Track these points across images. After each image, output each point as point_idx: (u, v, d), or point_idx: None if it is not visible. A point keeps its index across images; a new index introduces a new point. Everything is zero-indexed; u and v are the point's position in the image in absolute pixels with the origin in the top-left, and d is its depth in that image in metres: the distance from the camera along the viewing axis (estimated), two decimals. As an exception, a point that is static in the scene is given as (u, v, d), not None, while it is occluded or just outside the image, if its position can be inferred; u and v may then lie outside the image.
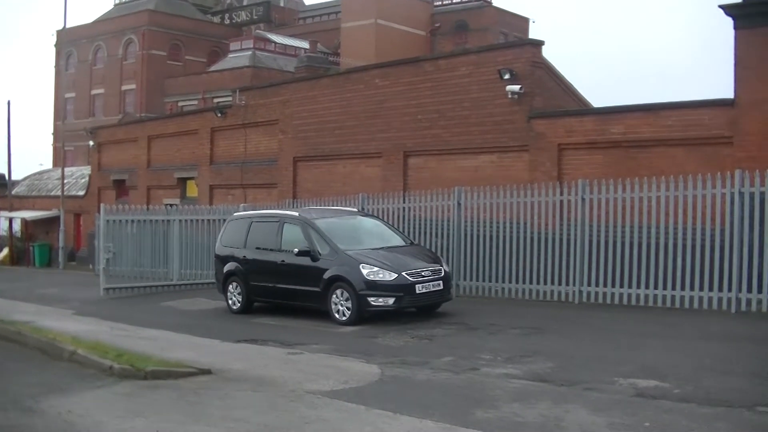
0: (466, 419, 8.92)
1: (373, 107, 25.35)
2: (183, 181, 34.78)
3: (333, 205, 22.38)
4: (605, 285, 17.68)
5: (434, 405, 9.63)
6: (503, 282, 19.54)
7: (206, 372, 11.52)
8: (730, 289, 15.97)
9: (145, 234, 25.25)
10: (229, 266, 19.63)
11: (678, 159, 18.29)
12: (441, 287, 17.06)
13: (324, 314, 17.01)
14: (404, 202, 21.91)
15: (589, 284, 17.96)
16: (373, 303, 16.43)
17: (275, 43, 65.24)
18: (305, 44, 60.82)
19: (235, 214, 21.64)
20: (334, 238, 17.57)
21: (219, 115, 32.00)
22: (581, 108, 23.29)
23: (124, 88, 70.01)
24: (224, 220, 25.09)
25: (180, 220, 25.42)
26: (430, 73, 24.06)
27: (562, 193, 18.71)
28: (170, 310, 20.67)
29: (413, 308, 17.23)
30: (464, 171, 22.63)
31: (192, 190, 34.10)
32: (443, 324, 15.84)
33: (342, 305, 16.74)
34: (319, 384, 10.84)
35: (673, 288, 16.72)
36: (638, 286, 17.20)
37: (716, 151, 17.89)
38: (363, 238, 18.28)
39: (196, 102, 60.23)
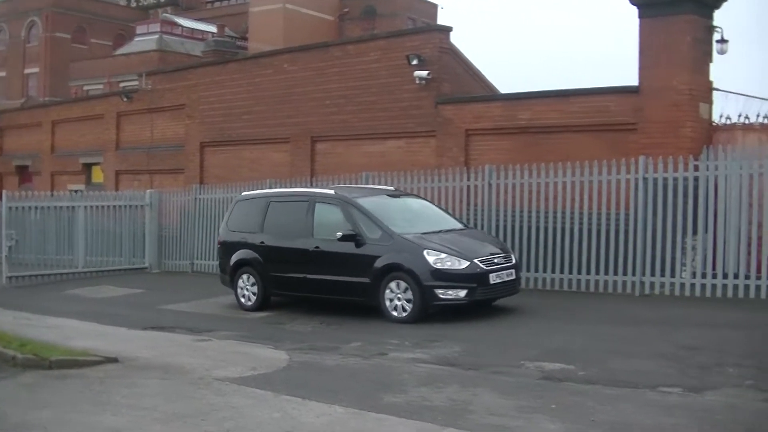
0: (375, 404, 8.96)
1: (281, 92, 25.20)
2: (88, 167, 34.12)
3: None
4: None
5: (343, 390, 9.66)
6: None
7: (113, 360, 11.36)
8: (634, 273, 16.30)
9: (49, 221, 24.68)
10: (239, 255, 16.93)
11: (584, 145, 18.50)
12: (513, 277, 15.07)
13: (369, 310, 14.81)
14: (312, 188, 21.83)
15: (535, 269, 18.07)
16: (441, 296, 14.18)
17: (182, 26, 64.52)
18: (213, 28, 60.20)
19: (243, 193, 18.83)
20: (385, 220, 15.22)
21: (125, 99, 31.51)
22: (489, 94, 23.43)
23: (26, 71, 68.63)
24: (131, 207, 24.75)
25: (85, 207, 24.78)
26: (339, 59, 24.00)
27: (469, 179, 18.89)
28: (76, 298, 20.09)
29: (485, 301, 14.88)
30: (372, 156, 22.63)
31: (98, 175, 33.54)
32: (352, 310, 15.84)
33: (400, 299, 14.41)
34: (227, 371, 10.79)
35: (579, 272, 17.00)
36: (544, 270, 17.45)
37: (621, 137, 18.13)
38: (414, 220, 15.87)
39: (101, 86, 59.25)
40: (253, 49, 31.58)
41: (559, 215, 17.32)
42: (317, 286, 15.63)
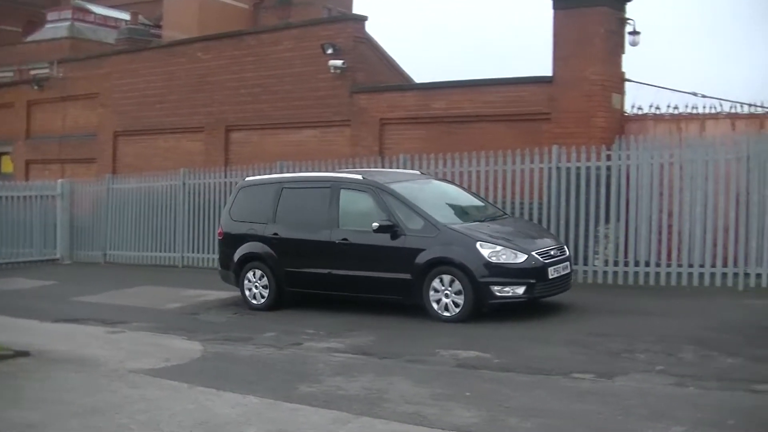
0: (290, 394, 8.94)
1: (196, 81, 24.95)
2: (-3, 157, 33.58)
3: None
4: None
5: (258, 381, 9.64)
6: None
7: (24, 354, 11.11)
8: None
9: (-44, 212, 24.07)
10: (247, 248, 15.24)
11: (499, 134, 18.64)
12: (568, 270, 13.83)
13: (406, 308, 13.46)
14: (226, 177, 21.72)
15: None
16: (497, 293, 12.76)
17: (95, 14, 63.37)
18: (126, 16, 59.21)
19: (248, 179, 16.99)
20: (426, 208, 13.75)
21: (36, 87, 30.89)
22: (403, 83, 23.47)
23: (-70, 59, 67.12)
24: (42, 197, 24.22)
25: (-6, 197, 24.30)
26: (254, 47, 23.84)
27: (383, 168, 18.88)
28: (-15, 290, 19.70)
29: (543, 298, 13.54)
30: (287, 146, 22.53)
31: (7, 165, 32.88)
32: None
33: (449, 297, 13.00)
34: (141, 362, 10.70)
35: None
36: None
37: (535, 126, 18.29)
38: (454, 208, 14.58)
39: (11, 74, 58.09)
40: (167, 37, 31.16)
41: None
42: (344, 283, 14.12)
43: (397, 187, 14.15)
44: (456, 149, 18.12)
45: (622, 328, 11.58)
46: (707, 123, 17.16)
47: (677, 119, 17.49)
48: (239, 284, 15.36)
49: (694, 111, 17.41)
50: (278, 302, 14.92)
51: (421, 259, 13.21)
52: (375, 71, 22.58)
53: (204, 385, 9.36)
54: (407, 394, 8.87)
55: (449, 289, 12.98)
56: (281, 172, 20.09)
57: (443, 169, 17.84)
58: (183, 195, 22.32)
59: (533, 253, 13.01)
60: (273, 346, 11.71)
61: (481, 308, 12.89)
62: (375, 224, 13.51)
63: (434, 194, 14.80)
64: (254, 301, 15.11)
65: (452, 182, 16.66)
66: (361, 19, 22.51)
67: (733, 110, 17.48)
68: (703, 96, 17.83)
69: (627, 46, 18.59)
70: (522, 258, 12.88)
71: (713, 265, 14.98)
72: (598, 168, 16.32)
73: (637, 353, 10.35)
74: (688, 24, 76.45)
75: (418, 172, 16.57)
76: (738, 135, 15.93)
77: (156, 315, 14.97)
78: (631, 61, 18.73)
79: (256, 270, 15.09)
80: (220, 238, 16.23)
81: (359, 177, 14.59)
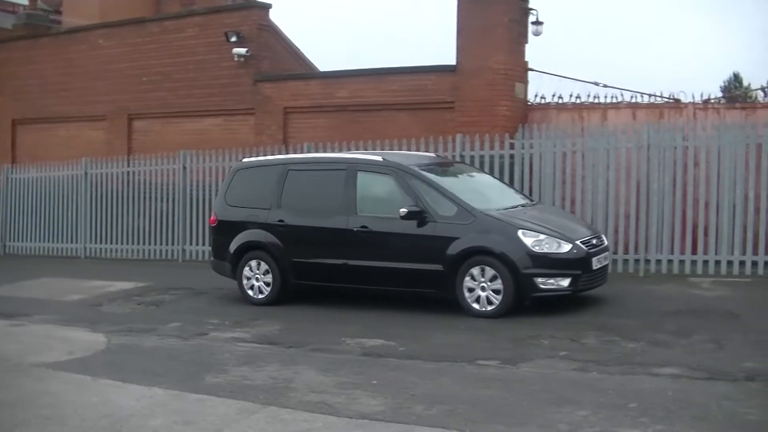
0: (196, 385, 8.88)
1: (97, 69, 24.50)
2: None
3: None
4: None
5: (163, 372, 9.55)
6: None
7: None
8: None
9: None
10: (246, 236, 13.97)
11: (403, 123, 18.70)
12: (608, 261, 13.16)
13: (439, 303, 12.42)
14: (129, 166, 21.48)
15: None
16: (541, 286, 11.78)
17: (-10, -1, 62.22)
18: (24, 1, 58.30)
19: (245, 159, 15.70)
20: (457, 192, 12.67)
21: (-71, 74, 30.21)
22: (308, 72, 23.40)
23: None
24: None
25: None
26: (156, 35, 23.52)
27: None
28: None
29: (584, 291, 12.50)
30: (190, 134, 22.31)
31: None
32: (171, 290, 15.62)
33: (484, 289, 11.94)
34: (43, 356, 10.52)
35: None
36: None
37: (439, 115, 18.39)
38: (484, 192, 13.37)
39: None
40: (67, 23, 30.52)
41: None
42: (363, 275, 12.93)
43: (423, 169, 13.09)
44: (360, 138, 18.14)
45: (526, 315, 11.70)
46: (609, 112, 17.45)
47: (579, 108, 17.76)
48: (237, 276, 14.11)
49: (596, 100, 17.71)
50: (283, 296, 13.73)
51: (454, 248, 12.11)
52: (279, 59, 22.48)
53: (108, 378, 9.25)
54: (313, 383, 8.86)
55: (486, 281, 11.92)
56: (184, 161, 19.95)
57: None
58: (85, 185, 21.99)
59: (577, 242, 12.11)
60: (178, 337, 11.60)
61: (523, 302, 11.92)
62: (403, 210, 12.37)
63: (461, 178, 13.99)
64: (254, 295, 13.89)
65: (472, 165, 15.96)
66: (266, 7, 22.35)
67: (633, 100, 17.81)
68: (605, 86, 18.16)
69: (530, 36, 18.78)
70: (566, 247, 11.94)
71: (615, 252, 15.22)
72: (501, 156, 16.51)
73: (542, 339, 10.47)
74: (590, 14, 77.48)
75: (433, 155, 15.53)
76: (638, 124, 16.23)
77: (58, 307, 14.69)
78: (534, 51, 18.95)
79: (258, 261, 13.85)
80: (213, 225, 14.90)
81: (379, 158, 13.37)
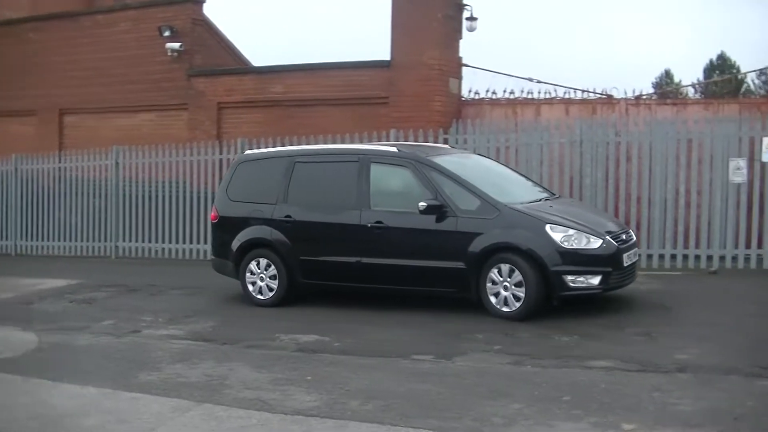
0: (129, 383, 8.79)
1: (26, 62, 24.15)
2: None
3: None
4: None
5: (96, 370, 9.44)
6: (163, 242, 19.40)
7: None
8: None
9: None
10: (250, 233, 13.17)
11: (337, 118, 18.70)
12: (637, 258, 12.47)
13: (457, 303, 11.70)
14: (60, 162, 21.23)
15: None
16: (571, 284, 11.00)
17: None
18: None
19: (248, 152, 14.86)
20: (479, 185, 11.84)
21: None
22: (242, 67, 23.30)
23: None
24: None
25: None
26: (89, 29, 23.24)
27: (221, 152, 18.79)
28: None
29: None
30: (123, 130, 22.09)
31: None
32: (104, 287, 15.46)
33: (507, 289, 11.16)
34: (-29, 355, 10.37)
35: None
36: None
37: (374, 110, 18.44)
38: (504, 185, 12.51)
39: None
40: (-4, 16, 30.13)
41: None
42: (378, 274, 12.13)
43: (440, 160, 12.29)
44: (295, 133, 18.10)
45: (457, 309, 11.69)
46: (542, 108, 17.62)
47: (513, 104, 17.90)
48: (240, 276, 13.29)
49: (530, 96, 17.88)
50: (289, 296, 12.96)
51: (477, 245, 11.32)
52: (213, 54, 22.34)
53: (40, 377, 9.11)
54: (248, 379, 8.83)
55: (508, 279, 11.16)
56: (117, 157, 19.77)
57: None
58: (15, 181, 21.69)
59: (607, 237, 11.33)
60: (111, 335, 11.48)
61: (551, 301, 11.15)
62: (422, 204, 11.56)
63: (479, 170, 12.89)
64: (259, 296, 13.08)
65: (489, 157, 15.18)
66: (199, 2, 22.18)
67: (567, 96, 17.98)
68: (539, 81, 18.35)
69: (464, 32, 18.86)
70: (597, 243, 11.16)
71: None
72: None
73: (476, 333, 10.50)
74: (524, 11, 78.03)
75: (447, 146, 14.87)
76: (572, 120, 16.40)
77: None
78: (468, 47, 19.05)
79: (262, 259, 13.03)
80: (215, 221, 14.01)
81: (394, 149, 12.58)
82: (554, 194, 13.38)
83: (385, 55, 18.44)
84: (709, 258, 14.74)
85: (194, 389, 8.50)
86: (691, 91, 26.70)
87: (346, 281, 12.54)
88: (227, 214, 13.65)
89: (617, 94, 17.49)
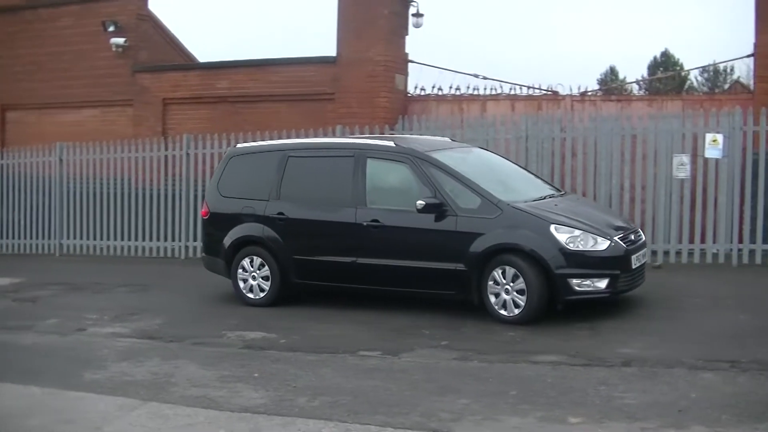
0: (74, 382, 8.72)
1: (-34, 57, 23.88)
2: None
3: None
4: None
5: (40, 370, 9.35)
6: (108, 240, 19.23)
7: None
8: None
9: None
10: (242, 230, 12.68)
11: (283, 114, 18.68)
12: (646, 258, 11.85)
13: (454, 305, 11.22)
14: (2, 159, 20.99)
15: (194, 239, 18.01)
16: (576, 288, 10.44)
17: None
18: None
19: (240, 145, 14.19)
20: (480, 182, 11.29)
21: None
22: (187, 63, 23.17)
23: None
24: None
25: None
26: (31, 23, 22.92)
27: (167, 149, 18.67)
28: None
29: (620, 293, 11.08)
30: (66, 126, 21.83)
31: None
32: (48, 285, 15.29)
33: (509, 292, 10.59)
34: None
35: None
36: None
37: (320, 106, 18.42)
38: (507, 182, 12.00)
39: None
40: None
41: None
42: (374, 274, 11.60)
43: (440, 156, 11.69)
44: (241, 129, 18.02)
45: (407, 306, 11.70)
46: (488, 104, 17.70)
47: (459, 100, 17.96)
48: (231, 275, 12.82)
49: (476, 92, 17.93)
50: (282, 296, 12.48)
51: (478, 245, 10.78)
52: (158, 50, 22.17)
53: (-18, 378, 9.03)
54: (194, 377, 8.79)
55: (511, 283, 10.60)
56: (61, 154, 19.58)
57: (227, 149, 17.69)
58: (-44, 178, 21.41)
59: (615, 238, 10.79)
60: (56, 333, 11.37)
61: (556, 305, 10.57)
62: (420, 202, 11.03)
63: (481, 165, 12.34)
64: (251, 295, 12.61)
65: (492, 151, 14.50)
66: (144, -3, 22.06)
67: (513, 92, 18.07)
68: (485, 78, 18.40)
69: (410, 28, 18.89)
70: (604, 244, 10.61)
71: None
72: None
73: (423, 329, 10.54)
74: (471, 7, 78.34)
75: (448, 139, 13.88)
76: (517, 116, 16.48)
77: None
78: (414, 43, 19.09)
79: (255, 257, 12.55)
80: (205, 217, 13.53)
81: (390, 144, 11.99)
82: (560, 191, 12.88)
83: (331, 51, 18.42)
84: (654, 253, 14.84)
85: (140, 387, 8.44)
86: (635, 87, 26.94)
87: (341, 282, 12.04)
88: (218, 210, 13.20)
89: (562, 91, 17.60)
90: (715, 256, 14.51)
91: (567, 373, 8.35)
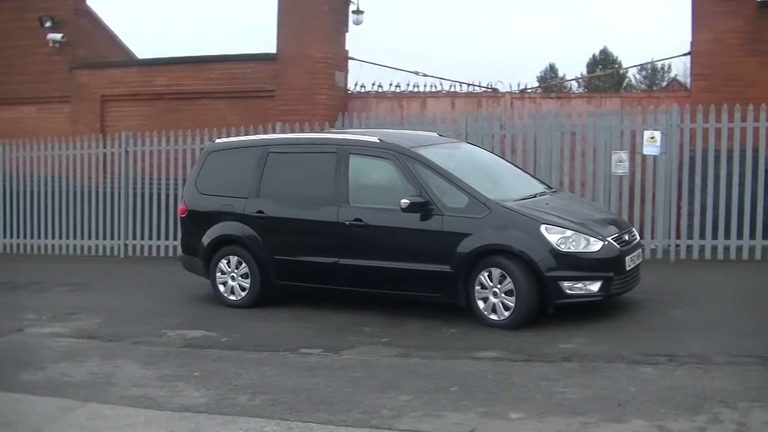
0: (12, 383, 8.60)
1: None
2: None
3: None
4: (150, 238, 17.75)
5: (-24, 371, 9.24)
6: (47, 238, 19.02)
7: None
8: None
9: None
10: (220, 229, 12.23)
11: (222, 111, 18.60)
12: (641, 259, 11.16)
13: (440, 309, 10.84)
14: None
15: (134, 237, 17.92)
16: (568, 291, 10.03)
17: None
18: None
19: (219, 140, 13.76)
20: (468, 180, 10.84)
21: None
22: (126, 59, 22.97)
23: None
24: None
25: None
26: (-34, 19, 22.68)
27: (105, 146, 18.50)
28: None
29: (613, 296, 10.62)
30: (4, 123, 21.51)
31: None
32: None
33: (497, 295, 10.16)
34: None
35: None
36: (176, 238, 17.39)
37: (259, 104, 18.37)
38: (497, 180, 11.58)
39: None
40: None
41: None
42: (357, 276, 11.15)
43: (426, 152, 11.21)
44: (179, 126, 17.95)
45: (349, 304, 11.69)
46: (428, 101, 17.76)
47: (399, 97, 18.01)
48: (210, 275, 12.40)
49: (416, 90, 17.98)
50: (263, 298, 12.07)
51: (466, 246, 10.32)
52: (96, 46, 21.96)
53: None
54: (135, 376, 8.73)
55: (498, 286, 10.17)
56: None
57: (166, 147, 17.64)
58: None
59: (609, 238, 10.36)
60: (-8, 333, 11.24)
61: (547, 309, 10.13)
62: (404, 201, 10.55)
63: (470, 162, 11.87)
64: (231, 297, 12.18)
65: (481, 146, 14.12)
66: (82, -8, 21.83)
67: (452, 89, 18.14)
68: (424, 75, 18.44)
69: (351, 25, 18.91)
70: (597, 245, 10.18)
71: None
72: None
73: (364, 326, 10.56)
74: (410, 4, 78.52)
75: (436, 135, 13.22)
76: (457, 113, 16.55)
77: None
78: (354, 40, 19.11)
79: (233, 257, 12.12)
80: (183, 216, 13.08)
81: (375, 139, 11.46)
82: (552, 189, 12.40)
83: (273, 48, 18.38)
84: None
85: (80, 388, 8.36)
86: (574, 85, 27.14)
87: (323, 283, 11.61)
88: (196, 208, 12.74)
89: (502, 88, 17.71)
90: (654, 251, 14.67)
91: (508, 369, 8.41)
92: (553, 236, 10.05)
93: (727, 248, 14.30)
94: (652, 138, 14.40)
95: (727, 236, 14.33)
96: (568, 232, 10.12)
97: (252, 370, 8.80)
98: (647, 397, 7.25)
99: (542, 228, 10.10)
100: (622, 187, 14.96)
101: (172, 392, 8.09)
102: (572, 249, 10.06)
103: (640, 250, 11.09)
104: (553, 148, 15.41)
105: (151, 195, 17.77)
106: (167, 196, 17.56)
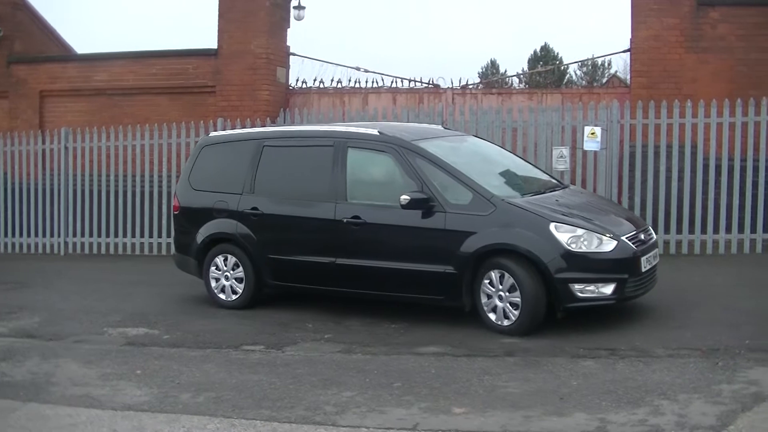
0: (-51, 384, 8.51)
1: None
2: None
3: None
4: (91, 235, 17.58)
5: None
6: (-16, 236, 18.80)
7: None
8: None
9: None
10: (214, 226, 11.70)
11: (162, 107, 18.51)
12: (657, 260, 10.37)
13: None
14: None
15: (74, 235, 17.74)
16: (579, 294, 9.30)
17: None
18: None
19: (213, 134, 13.15)
20: (472, 175, 10.18)
21: None
22: (65, 54, 22.73)
23: None
24: None
25: None
26: None
27: (44, 142, 18.29)
28: None
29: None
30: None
31: None
32: None
33: (502, 299, 9.54)
34: None
35: (151, 236, 17.04)
36: (124, 235, 17.26)
37: (200, 99, 18.33)
38: (506, 175, 11.14)
39: None
40: None
41: (138, 179, 17.22)
42: (356, 277, 10.56)
43: (428, 145, 10.56)
44: (120, 122, 17.85)
45: (291, 300, 11.70)
46: (370, 97, 17.82)
47: (341, 93, 18.04)
48: (203, 274, 11.88)
49: (357, 86, 18.01)
50: (257, 298, 11.58)
51: (470, 245, 9.66)
52: (35, 41, 21.70)
53: None
54: (75, 375, 8.66)
55: (504, 289, 9.55)
56: None
57: (106, 143, 17.47)
58: None
59: (623, 237, 9.65)
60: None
61: (556, 313, 9.50)
62: (404, 197, 9.90)
63: (475, 156, 11.29)
64: (224, 297, 11.67)
65: (488, 140, 13.62)
66: (19, -14, 21.56)
67: (394, 85, 18.19)
68: (366, 71, 18.47)
69: (292, 21, 18.89)
70: (610, 245, 9.48)
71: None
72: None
73: (306, 323, 10.55)
74: (352, 2, 78.49)
75: (440, 127, 12.87)
76: (399, 109, 16.61)
77: None
78: (295, 36, 19.09)
79: (228, 256, 11.59)
80: (176, 213, 12.48)
81: (374, 132, 10.78)
82: (563, 184, 11.68)
83: (210, 42, 18.33)
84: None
85: (19, 388, 8.27)
86: (515, 81, 27.29)
87: (319, 284, 11.05)
88: (189, 205, 12.20)
89: (444, 84, 17.82)
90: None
91: (450, 364, 8.45)
92: (563, 235, 9.41)
93: (666, 242, 14.44)
94: (593, 134, 14.51)
95: (667, 231, 14.48)
96: (580, 231, 9.48)
97: (194, 368, 8.77)
98: (589, 391, 7.33)
99: (551, 226, 9.47)
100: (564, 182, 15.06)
101: (114, 391, 8.04)
102: (584, 249, 9.40)
103: (656, 250, 10.45)
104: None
105: (91, 192, 17.60)
106: (108, 192, 17.40)
